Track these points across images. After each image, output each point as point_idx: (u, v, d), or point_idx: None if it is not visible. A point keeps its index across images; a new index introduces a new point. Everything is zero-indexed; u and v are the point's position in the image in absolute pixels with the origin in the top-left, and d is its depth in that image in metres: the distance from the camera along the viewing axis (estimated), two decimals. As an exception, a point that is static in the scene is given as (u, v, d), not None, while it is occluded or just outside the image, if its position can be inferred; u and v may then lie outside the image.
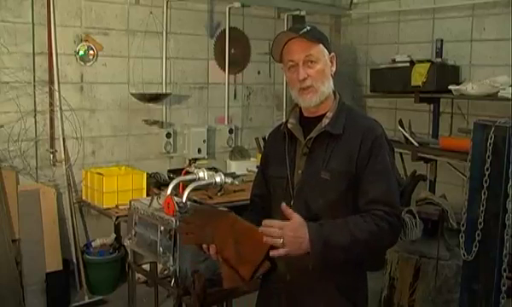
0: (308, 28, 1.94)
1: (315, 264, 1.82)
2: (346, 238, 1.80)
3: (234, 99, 5.53)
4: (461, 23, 4.96)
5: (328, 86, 1.97)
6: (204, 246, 1.96)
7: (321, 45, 1.95)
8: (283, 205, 1.81)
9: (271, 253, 1.78)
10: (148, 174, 4.48)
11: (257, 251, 1.86)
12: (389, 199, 1.89)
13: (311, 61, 1.92)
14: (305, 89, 1.94)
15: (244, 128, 5.65)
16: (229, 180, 2.96)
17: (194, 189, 2.75)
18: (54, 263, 4.17)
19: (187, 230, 2.02)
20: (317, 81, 1.94)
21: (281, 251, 1.76)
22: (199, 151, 5.13)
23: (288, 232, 1.75)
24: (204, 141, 5.17)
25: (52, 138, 4.43)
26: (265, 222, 1.80)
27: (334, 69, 2.01)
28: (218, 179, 2.84)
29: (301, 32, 1.92)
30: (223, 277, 1.96)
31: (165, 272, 3.00)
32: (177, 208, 2.58)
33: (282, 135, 2.07)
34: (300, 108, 2.06)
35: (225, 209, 2.13)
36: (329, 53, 1.98)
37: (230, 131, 5.46)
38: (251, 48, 5.58)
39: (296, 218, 1.79)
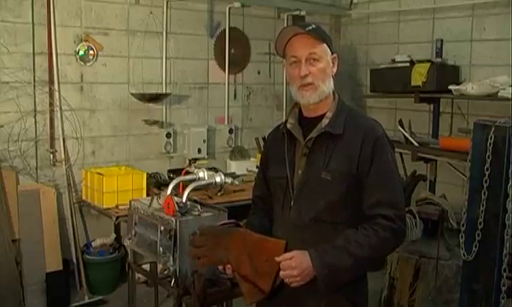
0: (314, 26, 1.95)
1: (324, 289, 1.86)
2: (348, 260, 1.84)
3: (234, 99, 5.53)
4: (461, 23, 4.95)
5: (328, 85, 1.97)
6: (220, 267, 1.97)
7: (324, 44, 1.96)
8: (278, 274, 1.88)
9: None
10: (148, 174, 4.48)
11: (271, 261, 1.88)
12: (394, 200, 1.90)
13: (314, 59, 1.93)
14: (305, 85, 1.94)
15: (244, 128, 5.64)
16: (229, 180, 2.96)
17: (194, 189, 2.76)
18: (54, 263, 4.17)
19: (199, 254, 2.01)
20: (318, 79, 1.94)
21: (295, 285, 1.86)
22: (199, 151, 5.13)
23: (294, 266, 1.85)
24: (204, 141, 5.16)
25: (52, 138, 4.43)
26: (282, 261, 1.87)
27: (335, 70, 2.02)
28: (218, 179, 2.84)
29: (307, 29, 1.93)
30: (244, 294, 1.97)
31: (165, 272, 2.99)
32: (177, 208, 2.59)
33: (281, 135, 2.07)
34: (300, 108, 2.06)
35: (232, 223, 2.12)
36: (332, 53, 1.99)
37: (230, 131, 5.46)
38: (251, 48, 5.58)
39: (294, 253, 1.86)
